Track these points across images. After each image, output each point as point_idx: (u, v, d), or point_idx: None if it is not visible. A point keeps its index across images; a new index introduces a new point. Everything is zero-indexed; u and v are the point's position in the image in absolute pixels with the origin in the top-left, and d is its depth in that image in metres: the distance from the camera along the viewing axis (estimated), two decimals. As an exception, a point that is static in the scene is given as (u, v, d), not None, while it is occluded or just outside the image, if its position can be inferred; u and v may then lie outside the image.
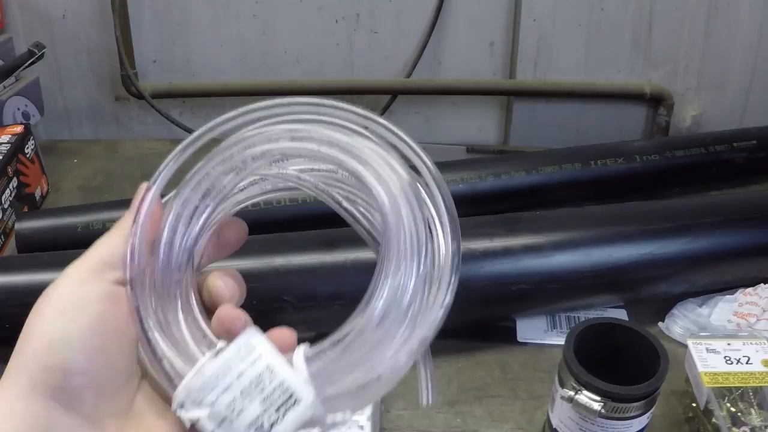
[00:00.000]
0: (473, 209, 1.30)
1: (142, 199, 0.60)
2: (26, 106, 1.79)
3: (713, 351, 1.10)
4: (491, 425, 1.11)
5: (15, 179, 1.52)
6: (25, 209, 1.56)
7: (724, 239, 1.28)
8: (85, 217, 1.38)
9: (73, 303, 0.53)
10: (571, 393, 0.95)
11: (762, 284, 1.30)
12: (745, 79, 1.93)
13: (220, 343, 0.55)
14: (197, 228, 0.60)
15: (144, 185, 0.61)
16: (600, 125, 1.99)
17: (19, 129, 1.58)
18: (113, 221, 1.33)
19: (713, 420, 1.03)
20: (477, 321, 1.27)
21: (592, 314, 1.27)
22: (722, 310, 1.27)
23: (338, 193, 0.63)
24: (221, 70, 2.00)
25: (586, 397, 0.94)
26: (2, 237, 1.46)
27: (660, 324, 1.26)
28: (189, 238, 0.60)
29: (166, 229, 0.59)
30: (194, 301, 0.59)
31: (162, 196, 0.61)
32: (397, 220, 0.57)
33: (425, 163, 0.60)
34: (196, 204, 0.61)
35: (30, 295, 1.09)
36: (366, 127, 0.61)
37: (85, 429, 0.51)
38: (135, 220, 0.59)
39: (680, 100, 1.95)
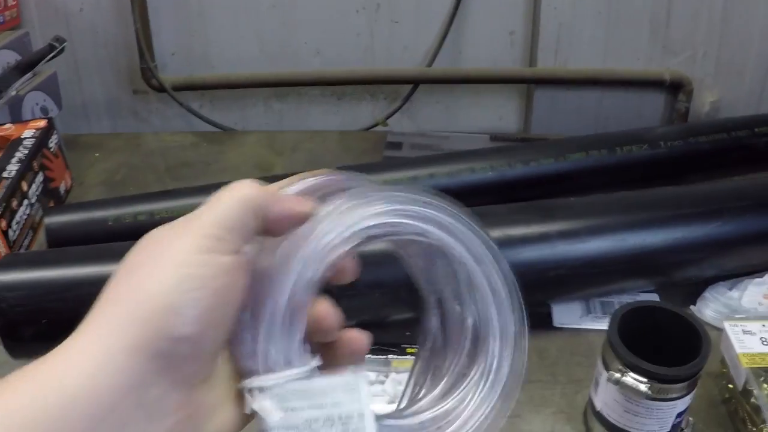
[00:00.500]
0: (504, 197, 1.31)
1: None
2: (44, 100, 1.79)
3: (749, 332, 1.11)
4: (533, 410, 1.12)
5: (41, 174, 1.52)
6: (51, 204, 1.56)
7: (753, 223, 1.29)
8: (113, 210, 1.38)
9: (198, 269, 0.51)
10: (618, 375, 0.96)
11: (790, 267, 1.31)
12: (762, 65, 1.93)
13: (315, 361, 0.56)
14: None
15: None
16: (620, 112, 2.00)
17: (42, 123, 1.58)
18: (144, 214, 1.36)
19: (752, 400, 1.04)
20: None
21: (625, 299, 1.27)
22: (752, 293, 1.28)
23: None
24: (240, 62, 2.00)
25: (632, 379, 0.95)
26: (30, 232, 1.46)
27: (692, 307, 1.27)
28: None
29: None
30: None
31: None
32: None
33: None
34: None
35: (67, 290, 1.12)
36: None
37: (174, 393, 0.50)
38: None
39: (699, 87, 1.95)
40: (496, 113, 2.07)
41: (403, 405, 0.63)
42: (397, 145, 1.78)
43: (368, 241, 0.56)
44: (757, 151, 1.59)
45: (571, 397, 1.14)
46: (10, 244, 1.37)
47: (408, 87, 2.00)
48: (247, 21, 1.96)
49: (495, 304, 0.62)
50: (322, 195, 0.59)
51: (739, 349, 1.08)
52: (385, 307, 1.17)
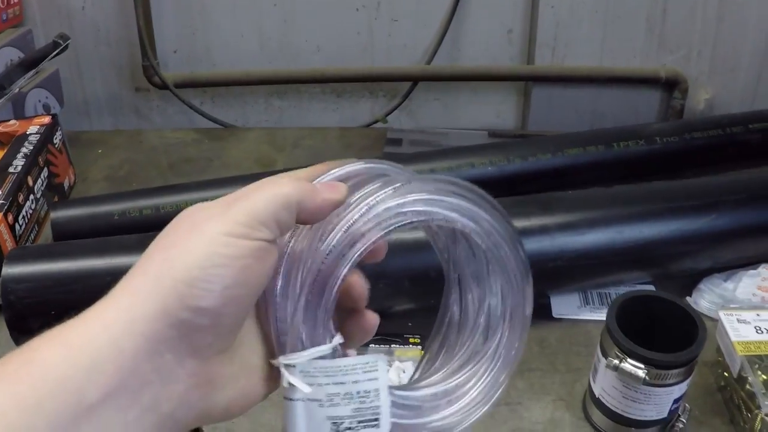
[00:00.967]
0: (502, 191, 1.32)
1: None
2: (47, 98, 1.81)
3: (744, 321, 1.13)
4: (533, 397, 1.14)
5: (46, 169, 1.54)
6: (56, 199, 1.58)
7: (747, 216, 1.31)
8: (119, 205, 1.40)
9: (225, 249, 0.53)
10: (616, 362, 0.98)
11: (783, 259, 1.33)
12: (756, 63, 1.95)
13: (338, 338, 0.59)
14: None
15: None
16: (616, 109, 2.01)
17: (47, 120, 1.60)
18: (149, 208, 1.37)
19: (747, 387, 1.06)
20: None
21: (622, 290, 1.29)
22: (746, 284, 1.30)
23: None
24: (241, 60, 2.02)
25: (630, 365, 0.98)
26: (36, 226, 1.48)
27: (688, 299, 1.29)
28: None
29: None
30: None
31: None
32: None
33: None
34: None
35: (74, 282, 1.13)
36: None
37: (189, 360, 0.53)
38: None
39: (694, 84, 1.97)
40: (494, 110, 2.09)
41: (416, 377, 0.66)
42: (397, 142, 1.80)
43: (398, 229, 0.58)
44: (751, 147, 1.60)
45: (570, 385, 1.16)
46: (17, 239, 1.39)
47: (407, 84, 2.02)
48: (248, 19, 1.97)
49: (511, 287, 0.65)
50: (355, 183, 0.60)
51: (734, 337, 1.10)
52: (389, 298, 1.19)
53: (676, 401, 1.02)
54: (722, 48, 1.94)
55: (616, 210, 1.27)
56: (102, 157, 1.79)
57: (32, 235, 1.46)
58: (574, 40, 1.94)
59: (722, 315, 1.14)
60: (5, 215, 1.35)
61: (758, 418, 1.03)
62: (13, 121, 1.60)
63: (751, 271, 1.32)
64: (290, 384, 0.57)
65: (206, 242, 0.53)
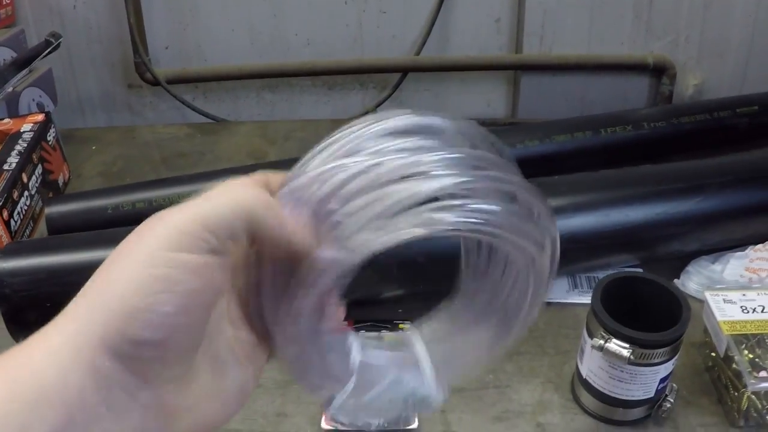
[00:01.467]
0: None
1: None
2: (40, 96, 1.81)
3: (730, 301, 1.14)
4: (522, 380, 1.15)
5: (40, 166, 1.55)
6: (50, 195, 1.59)
7: (734, 198, 1.32)
8: (112, 199, 1.42)
9: (166, 270, 0.48)
10: (601, 342, 0.99)
11: (771, 240, 1.34)
12: (744, 48, 1.97)
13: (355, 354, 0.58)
14: None
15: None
16: (605, 96, 2.02)
17: (40, 117, 1.62)
18: (142, 201, 1.38)
19: (733, 366, 1.07)
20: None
21: (611, 273, 1.31)
22: (734, 266, 1.31)
23: None
24: (232, 55, 2.03)
25: (615, 345, 0.99)
26: (31, 222, 1.50)
27: (676, 281, 1.30)
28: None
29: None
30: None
31: None
32: None
33: None
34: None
35: (69, 275, 1.15)
36: None
37: (142, 391, 0.48)
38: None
39: (682, 70, 1.98)
40: (484, 99, 2.10)
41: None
42: (387, 132, 1.81)
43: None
44: (739, 132, 1.62)
45: (558, 367, 1.17)
46: (12, 235, 1.40)
47: (397, 75, 2.03)
48: (238, 13, 1.98)
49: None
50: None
51: (720, 317, 1.11)
52: (378, 284, 1.20)
53: (662, 381, 1.03)
54: (710, 33, 1.95)
55: (602, 194, 1.28)
56: (96, 153, 1.80)
57: (27, 231, 1.47)
58: (562, 28, 1.95)
59: (708, 295, 1.15)
60: (0, 212, 1.36)
61: (745, 397, 1.05)
62: (6, 120, 1.61)
63: (739, 253, 1.33)
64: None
65: (143, 262, 0.48)
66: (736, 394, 1.07)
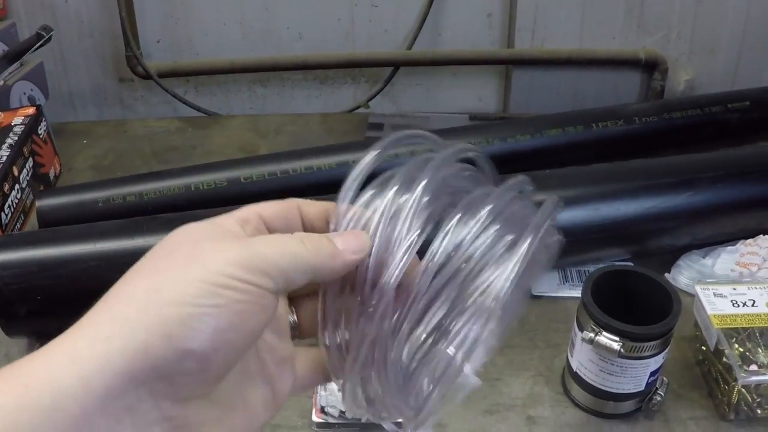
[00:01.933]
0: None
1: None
2: (32, 90, 1.81)
3: (720, 295, 1.14)
4: (513, 373, 1.16)
5: (31, 159, 1.55)
6: (42, 188, 1.59)
7: (724, 193, 1.33)
8: (103, 192, 1.41)
9: (225, 290, 0.48)
10: (592, 335, 1.00)
11: (762, 235, 1.34)
12: (735, 44, 1.96)
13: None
14: None
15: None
16: (597, 91, 2.02)
17: (31, 110, 1.61)
18: (133, 195, 1.38)
19: (724, 359, 1.07)
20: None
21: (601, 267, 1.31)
22: (725, 260, 1.32)
23: None
24: (224, 49, 2.02)
25: (605, 338, 0.99)
26: (22, 216, 1.49)
27: (666, 275, 1.30)
28: None
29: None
30: None
31: None
32: None
33: None
34: None
35: (60, 267, 1.15)
36: None
37: (165, 404, 0.48)
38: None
39: (674, 66, 1.98)
40: (476, 94, 2.10)
41: None
42: (379, 126, 1.81)
43: None
44: (730, 127, 1.62)
45: (549, 361, 1.18)
46: (3, 228, 1.40)
47: (389, 70, 2.03)
48: (230, 7, 1.98)
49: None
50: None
51: (710, 310, 1.12)
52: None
53: (653, 374, 1.04)
54: (702, 29, 1.95)
55: (592, 188, 1.28)
56: (87, 147, 1.80)
57: (18, 224, 1.47)
58: (554, 22, 1.95)
59: (699, 289, 1.16)
60: (-10, 205, 1.36)
61: (735, 390, 1.05)
62: (-3, 113, 1.61)
63: (730, 248, 1.34)
64: None
65: (205, 275, 0.48)
66: (726, 387, 1.07)
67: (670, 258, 1.34)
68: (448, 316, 0.57)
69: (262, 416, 0.57)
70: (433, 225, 0.57)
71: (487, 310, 0.55)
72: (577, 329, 1.05)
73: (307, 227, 0.58)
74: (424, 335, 0.57)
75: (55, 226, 1.35)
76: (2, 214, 1.40)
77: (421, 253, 0.56)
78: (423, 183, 0.56)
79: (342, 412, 1.06)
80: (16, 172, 1.47)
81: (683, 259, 1.33)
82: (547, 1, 1.92)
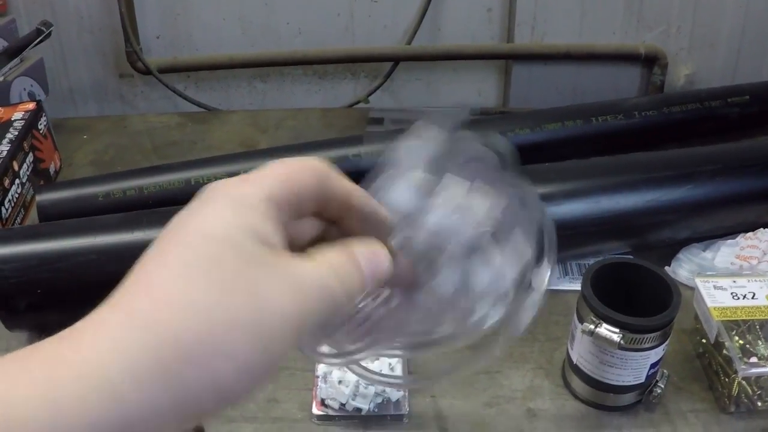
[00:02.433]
0: (482, 166, 1.34)
1: None
2: (32, 86, 1.81)
3: (720, 288, 1.14)
4: (513, 366, 1.16)
5: (31, 154, 1.55)
6: (42, 183, 1.59)
7: (724, 186, 1.32)
8: (103, 187, 1.41)
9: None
10: (592, 327, 1.00)
11: (762, 228, 1.34)
12: (735, 39, 1.97)
13: None
14: None
15: None
16: (597, 86, 2.02)
17: (31, 106, 1.61)
18: (133, 189, 1.38)
19: (724, 352, 1.07)
20: (494, 269, 1.31)
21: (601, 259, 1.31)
22: (725, 253, 1.32)
23: None
24: (223, 44, 2.03)
25: (606, 330, 0.99)
26: (22, 210, 1.49)
27: (666, 268, 1.30)
28: None
29: None
30: None
31: None
32: None
33: None
34: None
35: (59, 261, 1.15)
36: None
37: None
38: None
39: (673, 60, 1.99)
40: (476, 89, 2.11)
41: None
42: (379, 121, 1.81)
43: None
44: (730, 121, 1.62)
45: (549, 353, 1.18)
46: (3, 222, 1.40)
47: (389, 65, 2.03)
48: (229, 3, 1.98)
49: None
50: None
51: (710, 303, 1.12)
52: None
53: (653, 366, 1.04)
54: (701, 24, 1.95)
55: (592, 181, 1.28)
56: (87, 142, 1.80)
57: (18, 219, 1.47)
58: (553, 17, 1.95)
59: (698, 282, 1.16)
60: (-9, 199, 1.36)
61: (735, 382, 1.05)
62: (-3, 109, 1.61)
63: (730, 241, 1.34)
64: None
65: (208, 264, 0.46)
66: (726, 380, 1.07)
67: (670, 251, 1.34)
68: None
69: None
70: None
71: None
72: (577, 321, 1.05)
73: (320, 204, 0.55)
74: None
75: (56, 220, 1.36)
76: (2, 208, 1.40)
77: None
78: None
79: (342, 405, 1.06)
80: (16, 167, 1.47)
81: (683, 252, 1.33)
82: (547, -5, 1.92)
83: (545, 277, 0.62)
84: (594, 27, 1.96)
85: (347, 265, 0.52)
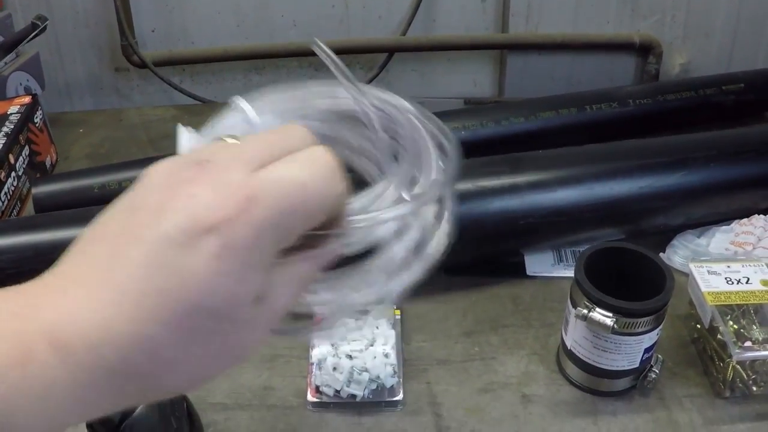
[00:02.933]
0: (476, 155, 1.34)
1: None
2: (28, 80, 1.81)
3: (714, 273, 1.15)
4: (507, 352, 1.16)
5: (27, 147, 1.56)
6: (38, 176, 1.59)
7: (718, 172, 1.33)
8: (99, 178, 1.42)
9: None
10: (585, 311, 1.00)
11: (756, 215, 1.35)
12: (729, 28, 1.97)
13: None
14: None
15: None
16: (592, 75, 2.03)
17: (27, 99, 1.62)
18: (129, 181, 1.38)
19: (718, 336, 1.08)
20: (488, 257, 1.32)
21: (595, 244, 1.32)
22: (719, 240, 1.32)
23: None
24: (218, 37, 2.03)
25: (599, 314, 0.99)
26: (18, 203, 1.50)
27: (661, 255, 1.30)
28: None
29: None
30: None
31: None
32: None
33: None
34: None
35: (56, 251, 1.15)
36: None
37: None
38: None
39: (668, 49, 1.99)
40: (471, 79, 2.11)
41: None
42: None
43: None
44: (725, 109, 1.63)
45: (544, 340, 1.18)
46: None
47: (383, 56, 2.03)
48: (224, -4, 1.99)
49: None
50: None
51: (704, 288, 1.12)
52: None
53: (647, 351, 1.04)
54: (696, 13, 1.96)
55: (585, 167, 1.28)
56: (83, 135, 1.80)
57: (15, 212, 1.48)
58: (548, 7, 1.95)
59: (693, 267, 1.16)
60: (-13, 192, 1.37)
61: (730, 367, 1.06)
62: (-7, 103, 1.61)
63: (724, 227, 1.34)
64: None
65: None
66: (721, 364, 1.08)
67: (665, 238, 1.34)
68: None
69: (231, 361, 0.52)
70: None
71: None
72: (570, 306, 1.05)
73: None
74: None
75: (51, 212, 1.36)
76: (-2, 200, 1.40)
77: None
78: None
79: (337, 392, 1.07)
80: (12, 160, 1.48)
81: (678, 238, 1.33)
82: (541, -15, 1.92)
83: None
84: (588, 16, 1.96)
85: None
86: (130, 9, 1.96)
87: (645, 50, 1.98)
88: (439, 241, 0.60)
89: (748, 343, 1.04)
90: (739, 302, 1.10)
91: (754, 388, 1.08)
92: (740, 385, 1.07)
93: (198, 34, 2.03)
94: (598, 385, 1.08)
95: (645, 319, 1.00)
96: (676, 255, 1.31)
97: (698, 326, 1.15)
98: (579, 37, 1.98)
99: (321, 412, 1.07)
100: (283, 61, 2.07)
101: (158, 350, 0.46)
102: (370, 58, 2.05)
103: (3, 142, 1.47)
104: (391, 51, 2.01)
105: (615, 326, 0.99)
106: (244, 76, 2.10)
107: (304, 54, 2.02)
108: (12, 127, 1.52)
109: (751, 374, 1.07)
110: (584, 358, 1.06)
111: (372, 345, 1.09)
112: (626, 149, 1.35)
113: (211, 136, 0.63)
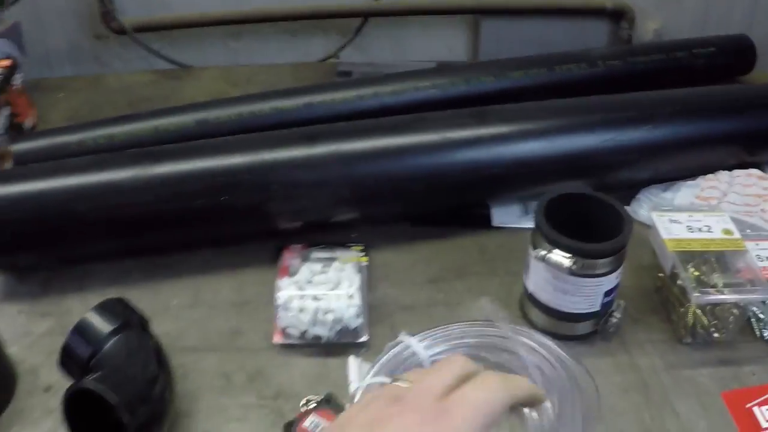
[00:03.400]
0: (445, 112, 1.36)
1: None
2: (9, 49, 1.82)
3: (676, 221, 1.17)
4: (472, 298, 1.19)
5: (7, 108, 1.57)
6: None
7: (684, 128, 1.35)
8: (76, 135, 1.43)
9: None
10: (544, 252, 1.02)
11: (722, 171, 1.37)
12: (703, -7, 1.99)
13: None
14: None
15: None
16: (565, 40, 2.03)
17: (6, 62, 1.63)
18: (105, 137, 1.39)
19: (679, 282, 1.10)
20: (455, 207, 1.34)
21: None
22: (685, 194, 1.34)
23: None
24: (196, 3, 2.03)
25: (557, 255, 1.02)
26: (-1, 162, 1.51)
27: (627, 208, 1.32)
28: None
29: None
30: None
31: None
32: None
33: None
34: None
35: (31, 201, 1.17)
36: None
37: None
38: None
39: (641, 14, 2.00)
40: (445, 44, 2.12)
41: None
42: (347, 74, 1.83)
43: None
44: (694, 72, 1.64)
45: (508, 287, 1.20)
46: (-21, 173, 1.42)
47: (358, 21, 2.04)
48: (201, -38, 1.99)
49: None
50: None
51: (665, 235, 1.14)
52: (330, 206, 1.23)
53: (607, 294, 1.07)
54: (668, -22, 1.97)
55: (550, 121, 1.30)
56: (63, 100, 1.82)
57: (-6, 171, 1.49)
58: (521, -28, 1.96)
59: (655, 216, 1.18)
60: (-35, 150, 1.38)
61: (690, 311, 1.08)
62: (-28, 66, 1.62)
63: (690, 182, 1.36)
64: None
65: None
66: (682, 309, 1.10)
67: (633, 193, 1.37)
68: None
69: None
70: None
71: None
72: (531, 250, 1.07)
73: None
74: None
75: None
76: (-22, 159, 1.42)
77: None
78: None
79: (302, 333, 1.09)
80: (-9, 120, 1.49)
81: (643, 192, 1.36)
82: (514, -50, 1.93)
83: None
84: (561, -19, 1.98)
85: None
86: (109, -25, 1.96)
87: (617, 15, 1.99)
88: None
89: (708, 289, 1.05)
90: (699, 249, 1.11)
91: (716, 335, 1.10)
92: (701, 330, 1.10)
93: (175, 1, 2.04)
94: (560, 328, 1.10)
95: (603, 260, 1.02)
96: (642, 208, 1.33)
97: (661, 275, 1.17)
98: (552, 2, 1.99)
99: (287, 354, 1.10)
100: (260, 27, 2.06)
101: None
102: (345, 23, 2.06)
103: (-18, 102, 1.48)
104: (365, 15, 2.02)
105: (573, 267, 1.01)
106: (223, 42, 2.10)
107: (280, 18, 2.02)
108: (-7, 88, 1.53)
109: (712, 320, 1.09)
110: (545, 302, 1.08)
111: (337, 288, 1.11)
112: (591, 104, 1.36)
113: (381, 370, 0.86)
